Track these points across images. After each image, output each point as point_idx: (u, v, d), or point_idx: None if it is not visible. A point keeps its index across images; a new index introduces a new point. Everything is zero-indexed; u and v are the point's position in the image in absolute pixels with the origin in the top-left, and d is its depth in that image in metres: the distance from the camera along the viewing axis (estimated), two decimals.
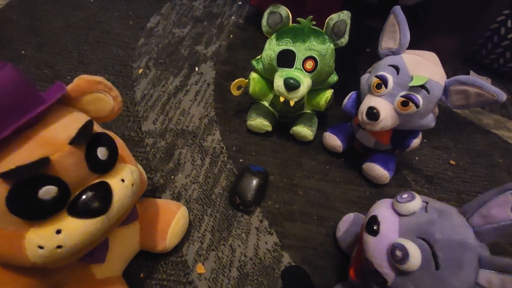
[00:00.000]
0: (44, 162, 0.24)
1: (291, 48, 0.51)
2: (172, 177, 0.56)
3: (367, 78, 0.49)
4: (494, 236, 0.29)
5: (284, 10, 0.52)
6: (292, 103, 0.53)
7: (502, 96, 0.39)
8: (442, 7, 0.58)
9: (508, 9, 0.71)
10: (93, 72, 0.72)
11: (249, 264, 0.47)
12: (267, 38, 0.55)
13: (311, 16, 0.50)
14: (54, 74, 0.71)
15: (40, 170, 0.24)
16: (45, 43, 0.77)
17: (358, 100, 0.53)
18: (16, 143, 0.25)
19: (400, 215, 0.33)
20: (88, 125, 0.28)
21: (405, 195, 0.34)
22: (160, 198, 0.53)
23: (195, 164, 0.58)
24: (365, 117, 0.46)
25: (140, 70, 0.74)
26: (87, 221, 0.27)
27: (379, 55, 0.49)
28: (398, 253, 0.29)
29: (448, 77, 0.44)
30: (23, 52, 0.75)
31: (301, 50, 0.51)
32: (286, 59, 0.52)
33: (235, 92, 0.61)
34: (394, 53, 0.46)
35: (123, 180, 0.30)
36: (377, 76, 0.45)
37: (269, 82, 0.59)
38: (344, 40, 0.52)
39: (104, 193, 0.28)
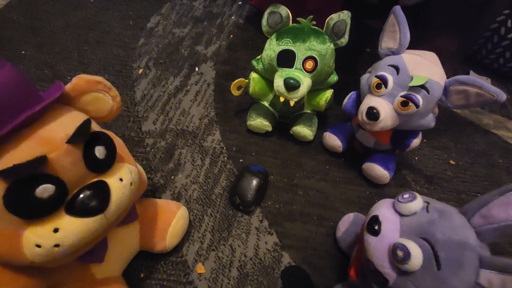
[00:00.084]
0: (42, 160, 0.24)
1: (291, 48, 0.51)
2: (172, 177, 0.56)
3: (367, 78, 0.49)
4: (495, 236, 0.29)
5: (284, 10, 0.52)
6: (292, 103, 0.53)
7: (502, 96, 0.39)
8: (442, 7, 0.58)
9: (508, 9, 0.71)
10: (93, 72, 0.72)
11: (249, 264, 0.47)
12: (267, 38, 0.55)
13: (311, 16, 0.50)
14: (54, 74, 0.71)
15: (37, 169, 0.24)
16: (45, 43, 0.78)
17: (358, 100, 0.53)
18: (14, 142, 0.24)
19: (401, 215, 0.33)
20: (85, 124, 0.28)
21: (406, 195, 0.34)
22: (160, 198, 0.53)
23: (195, 164, 0.58)
24: (365, 117, 0.45)
25: (140, 70, 0.74)
26: (85, 220, 0.26)
27: (379, 55, 0.49)
28: (400, 253, 0.29)
29: (448, 77, 0.44)
30: (23, 52, 0.75)
31: (301, 50, 0.51)
32: (286, 59, 0.52)
33: (235, 92, 0.61)
34: (394, 53, 0.46)
35: (121, 179, 0.30)
36: (377, 76, 0.45)
37: (269, 82, 0.59)
38: (344, 40, 0.52)
39: (102, 192, 0.28)
